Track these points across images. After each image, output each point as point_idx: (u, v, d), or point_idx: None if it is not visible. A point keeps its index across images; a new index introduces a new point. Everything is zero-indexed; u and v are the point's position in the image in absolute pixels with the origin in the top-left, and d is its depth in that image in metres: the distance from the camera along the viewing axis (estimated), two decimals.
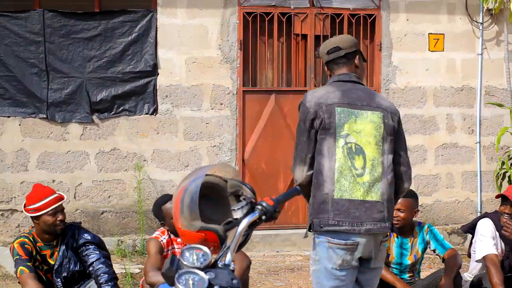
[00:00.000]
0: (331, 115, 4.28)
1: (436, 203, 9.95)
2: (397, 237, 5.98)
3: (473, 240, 6.28)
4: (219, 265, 2.71)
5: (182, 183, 2.92)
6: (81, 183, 8.96)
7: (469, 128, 9.99)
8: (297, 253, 9.06)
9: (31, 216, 5.48)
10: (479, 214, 9.39)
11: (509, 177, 9.59)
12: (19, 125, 8.81)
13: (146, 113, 9.08)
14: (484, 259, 5.98)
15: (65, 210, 5.66)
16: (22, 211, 6.83)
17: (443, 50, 9.84)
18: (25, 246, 5.42)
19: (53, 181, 8.83)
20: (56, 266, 5.51)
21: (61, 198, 5.51)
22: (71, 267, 5.53)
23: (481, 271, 6.17)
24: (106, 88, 8.95)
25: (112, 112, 9.00)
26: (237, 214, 2.85)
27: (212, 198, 2.99)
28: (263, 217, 2.85)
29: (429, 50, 9.81)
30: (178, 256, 2.69)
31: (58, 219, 5.43)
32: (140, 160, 9.05)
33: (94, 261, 5.49)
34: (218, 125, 9.25)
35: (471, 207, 10.04)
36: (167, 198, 5.62)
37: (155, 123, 9.11)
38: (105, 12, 8.96)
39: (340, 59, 4.49)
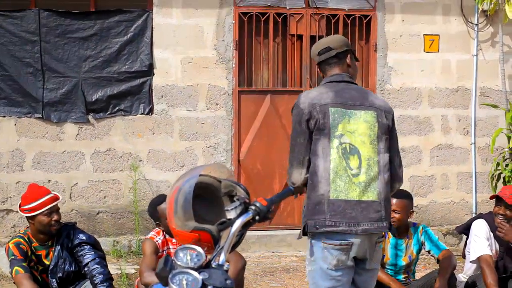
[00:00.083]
0: (325, 115, 4.27)
1: (431, 204, 9.96)
2: (391, 238, 5.99)
3: (468, 241, 6.29)
4: (213, 265, 2.71)
5: (176, 183, 2.93)
6: (76, 183, 8.96)
7: (464, 129, 10.01)
8: (293, 254, 9.07)
9: (26, 216, 5.49)
10: (474, 215, 9.41)
11: (504, 178, 9.62)
12: (15, 125, 8.81)
13: (142, 113, 9.08)
14: (478, 260, 5.99)
15: (60, 211, 5.67)
16: (17, 211, 6.85)
17: (438, 51, 9.86)
18: (20, 246, 5.42)
19: (49, 181, 8.83)
20: (51, 267, 5.51)
21: (56, 198, 5.52)
22: (66, 267, 5.54)
23: (476, 272, 6.18)
24: (102, 88, 8.95)
25: (108, 112, 9.00)
26: (230, 215, 2.86)
27: (206, 198, 2.99)
28: (257, 217, 2.85)
29: (424, 51, 9.82)
30: (172, 257, 2.69)
31: (53, 219, 5.44)
32: (136, 160, 9.06)
33: (89, 261, 5.49)
34: (214, 125, 9.26)
35: (466, 208, 10.06)
36: (162, 198, 5.61)
37: (151, 123, 9.12)
38: (100, 11, 8.97)
39: (332, 59, 4.49)
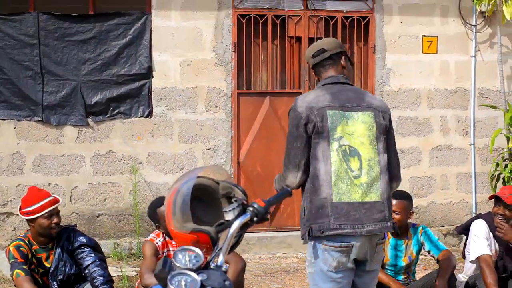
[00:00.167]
0: (323, 118, 4.26)
1: (431, 204, 9.97)
2: (391, 239, 6.00)
3: (467, 241, 6.31)
4: (212, 267, 2.72)
5: (174, 185, 2.94)
6: (76, 186, 8.98)
7: (463, 130, 10.02)
8: (293, 255, 9.08)
9: (26, 219, 5.50)
10: (474, 216, 9.41)
11: (503, 178, 9.63)
12: (14, 128, 8.83)
13: (141, 116, 9.10)
14: (478, 260, 6.00)
15: (61, 214, 5.68)
16: (18, 215, 6.85)
17: (436, 53, 9.88)
18: (21, 249, 5.43)
19: (49, 184, 8.85)
20: (51, 269, 5.52)
21: (56, 201, 5.53)
22: (67, 270, 5.54)
23: (476, 271, 6.19)
24: (101, 90, 8.97)
25: (107, 115, 9.02)
26: (228, 216, 2.87)
27: (204, 200, 3.00)
28: (255, 219, 2.86)
29: (422, 52, 9.84)
30: (171, 258, 2.70)
31: (53, 222, 5.45)
32: (136, 163, 9.07)
33: (90, 263, 5.50)
34: (213, 127, 9.27)
35: (466, 208, 10.07)
36: (162, 200, 5.61)
37: (150, 125, 9.14)
38: (99, 14, 8.99)
39: (326, 61, 4.48)
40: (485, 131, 10.07)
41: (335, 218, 4.19)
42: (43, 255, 5.53)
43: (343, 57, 4.51)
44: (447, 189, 10.01)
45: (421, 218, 9.79)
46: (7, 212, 8.82)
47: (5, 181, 8.82)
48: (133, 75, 9.05)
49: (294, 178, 4.31)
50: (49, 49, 8.85)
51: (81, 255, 5.52)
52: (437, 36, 9.87)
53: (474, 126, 9.99)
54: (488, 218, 6.19)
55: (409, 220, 6.06)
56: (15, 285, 5.41)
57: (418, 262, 6.37)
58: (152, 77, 9.11)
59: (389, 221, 4.31)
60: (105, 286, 5.36)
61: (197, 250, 2.72)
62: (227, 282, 2.67)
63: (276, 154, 9.27)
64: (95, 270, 5.44)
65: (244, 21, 9.29)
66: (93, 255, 5.52)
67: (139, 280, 5.62)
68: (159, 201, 5.62)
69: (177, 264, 2.66)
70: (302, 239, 4.35)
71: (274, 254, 9.16)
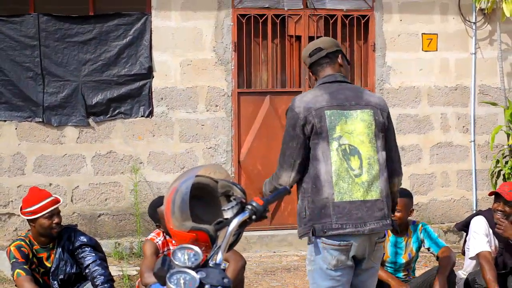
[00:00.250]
0: (321, 119, 4.26)
1: (432, 202, 9.99)
2: (391, 236, 6.01)
3: (467, 238, 6.32)
4: (210, 265, 2.74)
5: (173, 184, 2.96)
6: (77, 186, 9.00)
7: (463, 127, 10.03)
8: (294, 253, 9.09)
9: (27, 219, 5.52)
10: (473, 212, 9.43)
11: (504, 175, 9.65)
12: (16, 129, 8.85)
13: (142, 116, 9.12)
14: (477, 256, 6.02)
15: (62, 214, 5.70)
16: (19, 215, 6.87)
17: (436, 50, 9.89)
18: (22, 249, 5.44)
19: (50, 184, 8.87)
20: (52, 269, 5.54)
21: (57, 201, 5.54)
22: (68, 269, 5.56)
23: (475, 268, 6.20)
24: (102, 91, 8.99)
25: (108, 115, 9.04)
26: (227, 214, 2.89)
27: (203, 198, 3.02)
28: (253, 217, 2.88)
29: (422, 50, 9.85)
30: (170, 256, 2.72)
31: (54, 222, 5.46)
32: (136, 162, 9.09)
33: (90, 263, 5.51)
34: (214, 126, 9.29)
35: (467, 205, 10.08)
36: (162, 200, 5.60)
37: (151, 125, 9.15)
38: (99, 15, 9.00)
39: (323, 60, 4.48)
40: (485, 128, 10.08)
41: (337, 217, 4.20)
42: (44, 255, 5.55)
43: (339, 56, 4.51)
44: (447, 186, 10.02)
45: (422, 215, 9.80)
46: (9, 213, 8.84)
47: (6, 182, 8.85)
48: (133, 75, 9.06)
49: (287, 177, 4.32)
50: (50, 50, 8.87)
51: (81, 255, 5.53)
52: (437, 34, 9.88)
53: (474, 123, 10.00)
54: (488, 214, 6.20)
55: (409, 218, 6.07)
56: (16, 285, 5.44)
57: (418, 259, 6.38)
58: (153, 77, 9.13)
59: (389, 219, 4.32)
60: (105, 285, 5.37)
61: (196, 249, 2.73)
62: (225, 280, 2.69)
63: (276, 153, 9.14)
64: (96, 270, 5.46)
65: (244, 21, 9.31)
66: (93, 254, 5.54)
67: (139, 279, 5.65)
68: (159, 201, 5.64)
69: (176, 263, 2.68)
70: (300, 237, 4.37)
71: (274, 252, 9.18)
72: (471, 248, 6.12)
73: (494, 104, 9.87)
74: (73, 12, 8.95)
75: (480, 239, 6.06)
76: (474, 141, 10.00)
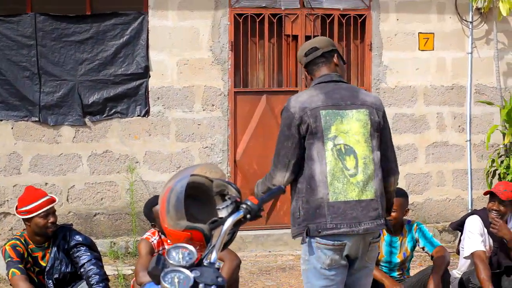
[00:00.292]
0: (317, 119, 4.26)
1: (427, 201, 10.00)
2: (386, 236, 6.02)
3: (462, 237, 6.34)
4: (205, 264, 2.74)
5: (168, 183, 2.97)
6: (73, 185, 9.00)
7: (459, 126, 10.05)
8: (289, 253, 9.10)
9: (22, 218, 5.52)
10: (468, 212, 9.45)
11: (499, 174, 9.66)
12: (12, 128, 8.84)
13: (138, 115, 9.12)
14: (472, 256, 6.03)
15: (58, 213, 5.70)
16: (15, 214, 6.89)
17: (433, 49, 9.90)
18: (17, 248, 5.45)
19: (46, 184, 8.86)
20: (47, 268, 5.54)
21: (52, 200, 5.55)
22: (63, 268, 5.56)
23: (470, 267, 6.22)
24: (98, 90, 8.99)
25: (104, 115, 9.04)
26: (222, 213, 2.89)
27: (198, 197, 3.03)
28: (248, 216, 2.89)
29: (419, 49, 9.87)
30: (164, 255, 2.73)
31: (49, 221, 5.47)
32: (133, 162, 9.10)
33: (86, 262, 5.52)
34: (210, 126, 9.30)
35: (462, 205, 10.10)
36: (157, 199, 5.56)
37: (147, 125, 9.16)
38: (96, 15, 9.00)
39: (319, 59, 4.48)
40: (481, 127, 10.10)
41: (332, 217, 4.20)
42: (39, 254, 5.56)
43: (335, 55, 4.51)
44: (443, 186, 10.03)
45: (417, 214, 9.81)
46: (4, 212, 8.84)
47: (2, 181, 8.84)
48: (130, 75, 9.07)
49: (282, 177, 4.32)
50: (46, 50, 8.87)
51: (77, 254, 5.54)
52: (433, 33, 9.89)
53: (470, 123, 10.01)
54: (483, 214, 6.22)
55: (404, 217, 6.08)
56: (11, 284, 5.44)
57: (413, 259, 6.40)
58: (149, 76, 9.13)
59: (382, 219, 4.34)
60: (100, 285, 5.38)
61: (191, 248, 2.74)
62: (220, 279, 2.69)
63: (272, 153, 9.22)
64: (91, 269, 5.46)
65: (241, 20, 9.31)
66: (88, 253, 5.54)
67: (134, 278, 5.66)
68: (155, 200, 5.64)
69: (171, 261, 2.68)
70: (294, 237, 4.38)
71: (270, 251, 9.19)
72: (465, 247, 6.14)
73: (490, 103, 9.88)
74: (70, 11, 8.94)
75: (475, 238, 6.08)
76: (470, 140, 10.01)
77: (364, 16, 9.67)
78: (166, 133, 9.20)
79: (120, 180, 9.05)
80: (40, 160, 8.90)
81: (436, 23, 9.90)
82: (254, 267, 8.51)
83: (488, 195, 6.24)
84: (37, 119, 8.87)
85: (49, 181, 8.91)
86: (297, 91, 9.06)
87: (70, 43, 8.92)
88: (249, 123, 9.42)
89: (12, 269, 5.32)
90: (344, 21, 9.59)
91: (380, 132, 4.42)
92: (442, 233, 9.76)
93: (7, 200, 8.83)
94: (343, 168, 4.24)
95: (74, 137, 8.97)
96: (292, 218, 4.37)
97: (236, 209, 2.90)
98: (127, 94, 9.06)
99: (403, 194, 5.98)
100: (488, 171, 9.76)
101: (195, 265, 2.71)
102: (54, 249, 5.54)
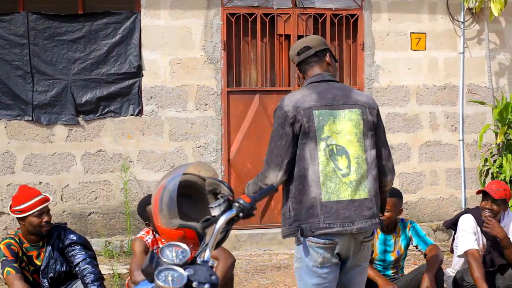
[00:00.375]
0: (310, 119, 4.25)
1: (421, 200, 10.03)
2: (380, 234, 6.04)
3: (455, 236, 6.36)
4: (198, 262, 2.75)
5: (161, 182, 2.98)
6: (67, 184, 9.00)
7: (452, 126, 10.08)
8: (284, 252, 9.11)
9: (17, 217, 5.52)
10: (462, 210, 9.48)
11: (492, 173, 9.69)
12: (5, 127, 8.84)
13: (131, 114, 9.13)
14: (465, 254, 6.06)
15: (52, 212, 5.71)
16: (9, 214, 6.87)
17: (425, 49, 9.93)
18: (11, 247, 5.45)
19: (40, 183, 8.86)
20: (42, 267, 5.54)
21: (46, 199, 5.55)
22: (58, 267, 5.57)
23: (464, 266, 6.24)
24: (91, 89, 8.99)
25: (98, 114, 9.04)
26: (215, 212, 2.90)
27: (191, 196, 3.04)
28: (241, 214, 2.90)
29: (411, 49, 9.89)
30: (158, 254, 2.74)
31: (43, 220, 5.47)
32: (126, 161, 9.10)
33: (80, 261, 5.52)
34: (203, 125, 9.31)
35: (456, 203, 10.13)
36: (151, 199, 5.63)
37: (140, 124, 9.16)
38: (88, 14, 9.00)
39: (311, 58, 4.46)
40: (473, 127, 10.13)
41: (324, 217, 4.20)
42: (33, 253, 5.56)
43: (327, 54, 4.49)
44: (436, 185, 10.07)
45: (411, 213, 9.84)
46: None
47: None
48: (123, 74, 9.07)
49: (275, 177, 4.30)
50: (39, 49, 8.87)
51: (71, 253, 5.54)
52: (425, 33, 9.92)
53: (463, 122, 10.05)
54: (476, 212, 6.25)
55: (399, 217, 6.09)
56: (5, 283, 5.44)
57: (407, 258, 6.42)
58: (142, 75, 9.14)
59: (377, 218, 4.33)
60: (95, 283, 5.38)
61: (184, 246, 2.75)
62: (213, 277, 2.71)
63: (266, 152, 9.28)
64: (86, 268, 5.46)
65: (233, 20, 9.33)
66: (83, 252, 5.55)
67: (129, 277, 5.67)
68: (148, 199, 5.62)
69: (164, 260, 2.70)
70: (283, 237, 4.39)
71: (265, 250, 9.20)
72: (459, 246, 6.16)
73: (482, 103, 9.92)
74: (62, 10, 8.94)
75: (468, 237, 6.10)
76: (462, 140, 10.04)
77: (356, 16, 9.69)
78: (160, 132, 9.21)
79: (114, 179, 9.06)
80: (34, 159, 8.90)
81: (428, 23, 9.93)
82: (249, 266, 8.52)
83: (481, 194, 6.26)
84: (30, 118, 8.86)
85: (43, 180, 8.91)
86: (290, 91, 9.10)
87: (62, 42, 8.92)
88: (242, 122, 9.44)
89: (7, 268, 5.32)
90: (336, 21, 9.61)
91: (375, 131, 4.42)
92: (436, 232, 9.79)
93: (1, 200, 8.82)
94: (335, 168, 4.24)
95: (68, 136, 8.97)
96: (283, 218, 4.37)
97: (228, 207, 2.91)
98: (120, 93, 9.07)
99: (397, 194, 5.98)
100: (481, 170, 9.79)
101: (188, 263, 2.72)
102: (49, 248, 5.55)
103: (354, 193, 4.26)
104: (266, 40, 9.52)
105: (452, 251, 6.54)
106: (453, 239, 6.49)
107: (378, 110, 4.47)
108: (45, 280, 5.54)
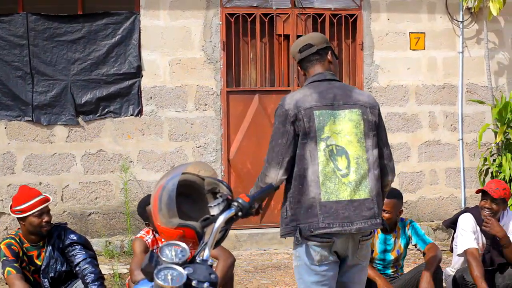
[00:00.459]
0: (310, 119, 4.25)
1: (421, 199, 10.04)
2: (380, 234, 6.05)
3: (455, 235, 6.37)
4: (197, 261, 2.76)
5: (160, 182, 2.99)
6: (67, 185, 9.01)
7: (451, 125, 10.09)
8: (284, 251, 9.11)
9: (17, 217, 5.53)
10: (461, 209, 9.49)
11: (491, 173, 9.70)
12: (5, 128, 8.85)
13: (131, 115, 9.14)
14: (465, 253, 6.07)
15: (52, 212, 5.72)
16: (9, 214, 6.88)
17: (424, 49, 9.94)
18: (12, 247, 5.46)
19: (40, 183, 8.88)
20: (43, 267, 5.55)
21: (47, 199, 5.56)
22: (58, 267, 5.58)
23: (463, 265, 6.25)
24: (91, 90, 9.01)
25: (97, 114, 9.06)
26: (214, 211, 2.91)
27: (190, 195, 3.05)
28: (239, 213, 2.90)
29: (410, 49, 9.91)
30: (157, 253, 2.75)
31: (44, 220, 5.48)
32: (126, 161, 9.12)
33: (81, 261, 5.53)
34: (203, 125, 9.32)
35: (455, 203, 10.14)
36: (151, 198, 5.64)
37: (140, 124, 9.18)
38: (88, 14, 9.02)
39: (313, 56, 4.44)
40: (473, 126, 10.14)
41: (324, 217, 4.20)
42: (34, 253, 5.57)
43: (329, 52, 4.48)
44: (436, 184, 10.08)
45: (411, 213, 9.85)
46: None
47: None
48: (122, 74, 9.08)
49: (275, 175, 4.28)
50: (39, 50, 8.88)
51: (72, 253, 5.55)
52: (424, 33, 9.94)
53: (462, 122, 10.06)
54: (475, 212, 6.25)
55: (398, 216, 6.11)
56: (6, 283, 5.45)
57: (407, 257, 6.43)
58: (142, 76, 9.15)
59: (379, 218, 4.31)
60: (96, 283, 5.40)
61: (183, 245, 2.76)
62: (212, 276, 2.71)
63: (265, 151, 9.28)
64: (86, 267, 5.47)
65: (232, 20, 9.34)
66: (83, 252, 5.56)
67: (129, 277, 5.68)
68: (148, 199, 5.62)
69: (164, 259, 2.70)
70: (281, 236, 4.39)
71: (265, 250, 9.21)
72: (458, 245, 6.17)
73: (481, 102, 9.93)
74: (61, 11, 8.96)
75: (468, 236, 6.11)
76: (462, 139, 10.06)
77: (355, 16, 9.71)
78: (159, 132, 9.22)
79: (114, 180, 9.07)
80: (34, 159, 8.92)
81: (426, 23, 9.94)
82: (249, 265, 8.53)
83: (480, 193, 6.27)
84: (30, 118, 8.88)
85: (43, 180, 8.92)
86: (289, 91, 9.11)
87: (62, 42, 8.93)
88: (242, 122, 9.45)
89: (8, 268, 5.33)
90: (335, 21, 9.62)
91: (376, 131, 4.40)
92: (436, 231, 9.80)
93: (2, 200, 8.84)
94: (335, 169, 4.23)
95: (68, 136, 8.99)
96: (281, 218, 4.37)
97: (227, 206, 2.92)
98: (120, 94, 9.08)
99: (397, 195, 5.98)
100: (481, 169, 9.80)
101: (188, 262, 2.73)
102: (49, 248, 5.56)
103: (354, 193, 4.25)
104: (265, 40, 9.54)
105: (451, 250, 6.55)
106: (453, 238, 6.49)
107: (379, 109, 4.46)
108: (46, 280, 5.56)
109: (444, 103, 10.05)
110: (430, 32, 9.94)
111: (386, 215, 5.81)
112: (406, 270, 6.40)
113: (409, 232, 6.06)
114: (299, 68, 4.56)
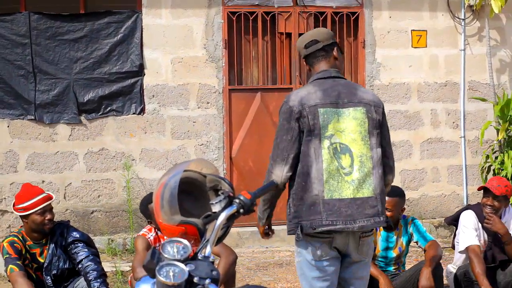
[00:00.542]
0: (315, 116, 4.24)
1: (423, 197, 10.05)
2: (382, 231, 6.06)
3: (457, 232, 6.38)
4: (199, 257, 2.77)
5: (162, 179, 3.00)
6: (70, 183, 9.04)
7: (453, 122, 10.10)
8: (286, 249, 9.12)
9: (20, 215, 5.55)
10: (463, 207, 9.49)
11: (493, 170, 9.70)
12: (8, 126, 8.88)
13: (134, 113, 9.16)
14: (466, 250, 6.08)
15: (55, 210, 5.73)
16: (12, 212, 6.90)
17: (426, 46, 9.94)
18: (15, 245, 5.48)
19: (43, 181, 8.90)
20: (45, 264, 5.57)
21: (49, 197, 5.58)
22: (61, 265, 5.60)
23: (465, 262, 6.26)
24: (93, 88, 9.03)
25: (100, 113, 9.08)
26: (215, 208, 2.92)
27: (192, 193, 3.07)
28: (241, 210, 2.91)
29: (412, 46, 9.91)
30: (159, 250, 2.77)
31: (46, 218, 5.50)
32: (129, 159, 9.13)
33: (83, 258, 5.54)
34: (205, 123, 9.34)
35: (457, 200, 10.15)
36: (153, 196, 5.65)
37: (143, 122, 9.20)
38: (90, 13, 9.04)
39: (319, 52, 4.44)
40: (475, 123, 10.15)
41: (327, 214, 4.20)
42: (37, 250, 5.59)
43: (335, 48, 4.48)
44: (438, 182, 10.08)
45: (413, 210, 9.86)
46: (2, 210, 8.87)
47: None
48: (124, 73, 9.10)
49: (280, 172, 4.27)
50: (41, 48, 8.90)
51: (74, 250, 5.57)
52: (426, 30, 9.94)
53: (464, 119, 10.06)
54: (477, 209, 6.27)
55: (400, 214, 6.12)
56: (9, 281, 5.47)
57: (410, 254, 6.44)
58: (144, 74, 9.17)
59: (382, 216, 4.31)
60: (98, 280, 5.41)
61: (185, 242, 2.77)
62: (214, 272, 2.72)
63: (268, 149, 9.14)
64: (89, 265, 5.49)
65: (234, 18, 9.36)
66: (86, 250, 5.57)
67: (131, 274, 5.70)
68: (151, 197, 5.57)
69: (165, 255, 2.71)
70: (289, 233, 4.41)
71: (267, 247, 9.22)
72: (460, 242, 6.18)
73: (483, 100, 9.93)
74: (64, 10, 8.98)
75: (469, 233, 6.12)
76: (464, 136, 10.06)
77: (357, 14, 9.72)
78: (162, 130, 9.24)
79: (117, 178, 9.09)
80: (37, 158, 8.94)
81: (428, 21, 9.95)
82: (251, 263, 8.55)
83: (482, 190, 6.28)
84: (32, 117, 8.90)
85: (45, 178, 8.95)
86: (291, 89, 9.14)
87: (64, 41, 8.95)
88: (244, 120, 9.47)
89: (11, 266, 5.35)
90: (337, 19, 9.63)
91: (380, 129, 4.39)
92: (438, 228, 9.81)
93: (4, 198, 8.86)
94: (338, 167, 4.23)
95: (70, 135, 9.01)
96: (286, 215, 4.41)
97: (229, 204, 2.93)
98: (122, 92, 9.10)
99: (399, 194, 5.99)
100: (483, 167, 9.80)
101: (189, 259, 2.74)
102: (52, 245, 5.58)
103: (357, 192, 4.24)
104: (267, 38, 9.55)
105: (453, 247, 6.56)
106: (455, 235, 6.50)
107: (383, 108, 4.44)
108: (48, 277, 5.57)
109: (446, 100, 10.05)
110: (432, 29, 9.95)
111: (388, 213, 5.80)
112: (408, 267, 6.41)
113: (411, 229, 6.08)
114: (304, 62, 4.54)
